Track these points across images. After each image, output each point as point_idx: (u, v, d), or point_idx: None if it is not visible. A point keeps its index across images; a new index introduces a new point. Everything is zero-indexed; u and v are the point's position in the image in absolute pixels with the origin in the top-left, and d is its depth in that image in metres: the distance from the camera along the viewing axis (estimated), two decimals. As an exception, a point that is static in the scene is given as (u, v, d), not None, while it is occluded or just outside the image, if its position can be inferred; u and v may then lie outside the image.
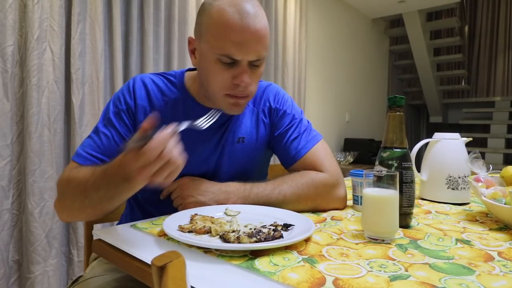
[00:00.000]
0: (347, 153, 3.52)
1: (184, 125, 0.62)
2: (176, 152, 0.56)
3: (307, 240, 0.59)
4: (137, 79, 0.85)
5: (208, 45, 0.74)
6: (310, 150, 0.87)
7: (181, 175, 0.83)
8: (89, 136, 0.80)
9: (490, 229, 0.68)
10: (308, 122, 0.94)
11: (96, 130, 0.80)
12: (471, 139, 1.01)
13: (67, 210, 0.73)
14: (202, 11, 0.76)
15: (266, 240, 0.54)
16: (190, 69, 0.92)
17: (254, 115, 0.92)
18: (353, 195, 0.84)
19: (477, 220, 0.75)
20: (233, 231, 0.58)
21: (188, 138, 0.86)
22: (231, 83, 0.75)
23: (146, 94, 0.84)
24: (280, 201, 0.77)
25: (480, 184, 0.78)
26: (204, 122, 0.71)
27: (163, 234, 0.61)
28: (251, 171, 0.92)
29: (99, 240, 0.62)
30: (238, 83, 0.74)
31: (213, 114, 0.75)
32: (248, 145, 0.90)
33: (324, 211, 0.81)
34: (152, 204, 0.86)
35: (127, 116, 0.81)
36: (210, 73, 0.75)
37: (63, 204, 0.72)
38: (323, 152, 0.88)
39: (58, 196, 0.74)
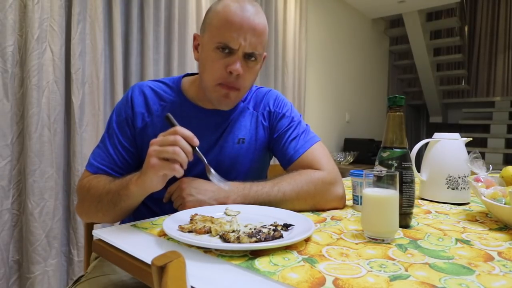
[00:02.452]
0: (347, 153, 3.52)
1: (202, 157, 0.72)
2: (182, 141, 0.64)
3: (307, 240, 0.59)
4: (135, 87, 0.91)
5: (209, 35, 0.80)
6: (308, 150, 0.88)
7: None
8: (98, 146, 0.88)
9: (490, 229, 0.68)
10: (307, 125, 0.96)
11: (103, 140, 0.88)
12: (471, 139, 1.01)
13: (85, 214, 0.81)
14: (209, 10, 0.84)
15: (266, 240, 0.54)
16: (188, 74, 0.96)
17: (254, 118, 0.94)
18: (353, 195, 0.84)
19: (477, 220, 0.75)
20: (233, 231, 0.58)
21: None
22: (224, 71, 0.79)
23: (144, 101, 0.89)
24: (280, 199, 0.77)
25: (480, 184, 0.78)
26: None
27: (163, 234, 0.61)
28: (251, 171, 0.93)
29: (99, 240, 0.62)
30: (230, 71, 0.78)
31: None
32: (249, 146, 0.92)
33: (324, 210, 0.81)
34: (157, 204, 0.87)
35: (127, 125, 0.88)
36: (208, 61, 0.81)
37: (82, 209, 0.81)
38: (321, 152, 0.89)
39: (78, 201, 0.82)
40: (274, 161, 1.14)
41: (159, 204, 0.85)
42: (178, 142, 0.63)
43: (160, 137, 0.65)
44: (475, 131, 5.14)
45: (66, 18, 1.63)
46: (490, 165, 0.86)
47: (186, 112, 0.88)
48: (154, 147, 0.64)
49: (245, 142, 0.91)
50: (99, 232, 0.63)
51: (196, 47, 0.87)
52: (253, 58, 0.81)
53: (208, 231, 0.60)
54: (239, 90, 0.83)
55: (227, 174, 0.90)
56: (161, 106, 0.88)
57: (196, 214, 0.68)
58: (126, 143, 0.86)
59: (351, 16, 4.07)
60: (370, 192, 0.61)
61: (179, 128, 0.65)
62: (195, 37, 0.87)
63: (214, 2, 0.83)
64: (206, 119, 0.88)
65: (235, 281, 0.45)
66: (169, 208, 0.78)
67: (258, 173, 0.96)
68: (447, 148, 0.93)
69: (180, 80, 0.93)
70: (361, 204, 0.75)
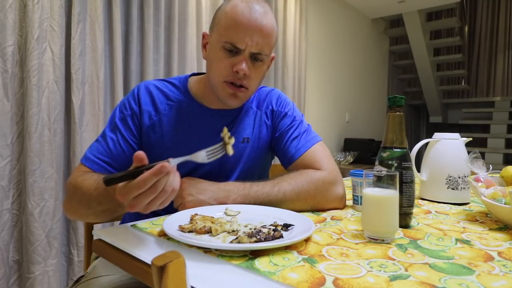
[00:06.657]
0: (347, 153, 3.52)
1: (180, 159, 0.59)
2: (171, 182, 0.56)
3: (307, 240, 0.59)
4: (141, 86, 0.90)
5: (217, 34, 0.81)
6: (309, 149, 0.88)
7: (185, 174, 0.84)
8: (97, 140, 0.85)
9: (490, 229, 0.68)
10: (308, 125, 0.97)
11: (103, 135, 0.85)
12: (471, 139, 1.01)
13: (73, 212, 0.78)
14: (218, 9, 0.84)
15: (266, 240, 0.54)
16: (194, 74, 0.96)
17: (258, 117, 0.94)
18: (353, 195, 0.84)
19: (477, 220, 0.75)
20: (233, 231, 0.58)
21: (191, 138, 0.87)
22: (231, 70, 0.80)
23: (151, 99, 0.88)
24: (280, 199, 0.77)
25: (480, 184, 0.78)
26: (207, 156, 0.65)
27: (163, 234, 0.61)
28: (255, 170, 0.94)
29: (99, 240, 0.62)
30: (237, 70, 0.79)
31: (217, 150, 0.67)
32: (253, 145, 0.92)
33: (324, 210, 0.81)
34: None
35: (132, 121, 0.86)
36: (215, 60, 0.82)
37: (69, 207, 0.77)
38: (322, 152, 0.89)
39: (67, 198, 0.78)
40: (275, 161, 1.14)
41: None
42: (157, 188, 0.54)
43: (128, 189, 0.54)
44: (475, 131, 5.14)
45: (66, 18, 1.63)
46: (490, 165, 0.86)
47: (192, 112, 0.89)
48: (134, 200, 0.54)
49: (250, 142, 0.92)
50: (99, 232, 0.63)
51: (204, 46, 0.88)
52: (259, 59, 0.81)
53: (208, 231, 0.60)
54: (247, 90, 0.83)
55: (230, 173, 0.90)
56: (168, 106, 0.88)
57: (196, 214, 0.68)
58: (130, 138, 0.85)
59: (351, 16, 4.07)
60: (370, 192, 0.61)
61: (145, 176, 0.53)
62: (204, 36, 0.88)
63: (224, 1, 0.84)
64: (212, 119, 0.88)
65: (235, 281, 0.45)
66: (169, 208, 0.78)
67: (260, 172, 0.97)
68: (447, 148, 0.93)
69: (187, 79, 0.93)
70: (361, 204, 0.75)
